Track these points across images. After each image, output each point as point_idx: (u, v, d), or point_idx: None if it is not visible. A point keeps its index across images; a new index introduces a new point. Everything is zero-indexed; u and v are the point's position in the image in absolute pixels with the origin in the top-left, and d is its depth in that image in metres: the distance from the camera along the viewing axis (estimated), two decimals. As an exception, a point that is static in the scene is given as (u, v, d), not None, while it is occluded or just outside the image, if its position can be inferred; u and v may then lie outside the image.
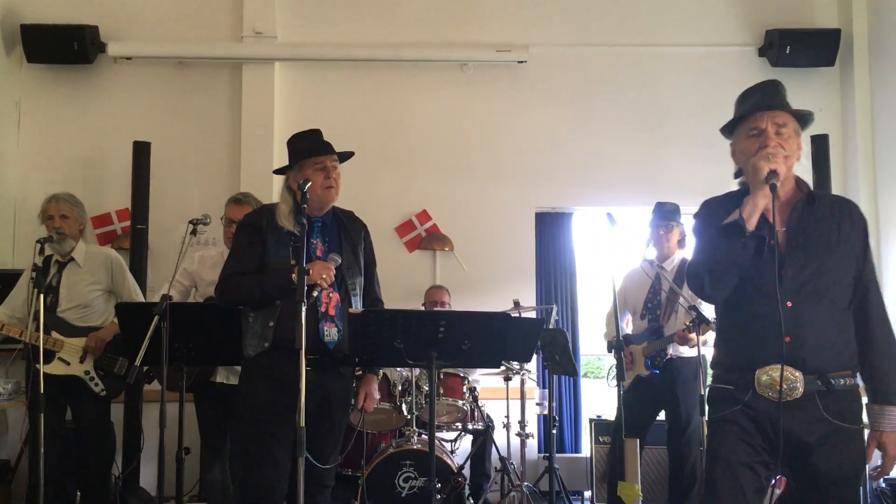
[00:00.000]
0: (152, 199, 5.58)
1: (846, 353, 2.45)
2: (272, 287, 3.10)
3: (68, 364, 4.22)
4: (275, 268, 3.14)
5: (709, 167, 6.22)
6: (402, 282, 5.96)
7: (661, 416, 4.96)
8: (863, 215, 2.59)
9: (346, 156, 3.35)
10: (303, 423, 2.72)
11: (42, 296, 3.71)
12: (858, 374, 2.48)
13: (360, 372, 3.82)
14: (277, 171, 3.40)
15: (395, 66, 6.38)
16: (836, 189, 5.89)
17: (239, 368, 3.81)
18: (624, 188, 6.28)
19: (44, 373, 3.82)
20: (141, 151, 5.54)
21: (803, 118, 2.57)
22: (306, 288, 2.85)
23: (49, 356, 4.08)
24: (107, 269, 4.37)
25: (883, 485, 4.87)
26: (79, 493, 4.64)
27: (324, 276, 3.03)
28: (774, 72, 6.34)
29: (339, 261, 3.16)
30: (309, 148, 3.26)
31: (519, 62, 6.29)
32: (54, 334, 4.17)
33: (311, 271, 2.95)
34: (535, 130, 6.37)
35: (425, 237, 6.24)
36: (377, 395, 3.52)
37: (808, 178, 5.55)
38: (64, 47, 6.00)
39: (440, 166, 6.34)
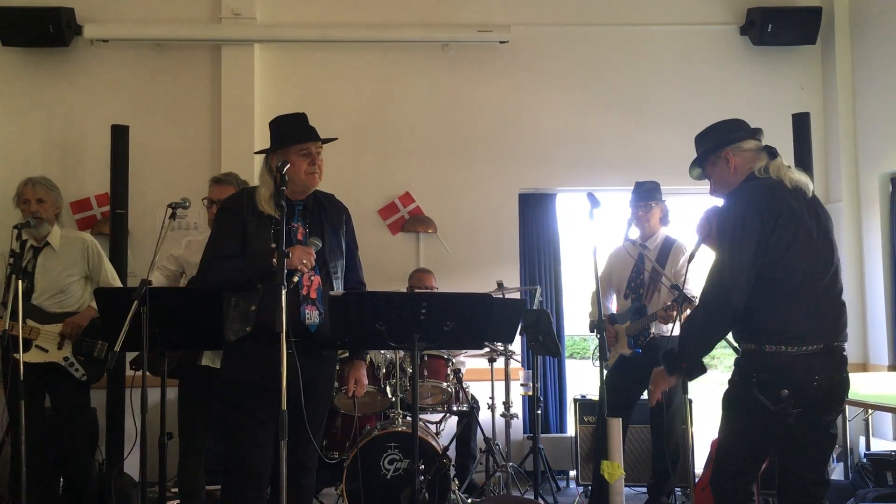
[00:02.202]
0: (132, 184, 5.51)
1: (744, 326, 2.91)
2: (252, 271, 3.08)
3: (46, 351, 4.18)
4: (255, 252, 3.12)
5: (692, 146, 6.22)
6: (385, 265, 5.94)
7: (646, 395, 4.99)
8: (720, 213, 3.04)
9: (328, 140, 3.33)
10: (284, 407, 2.72)
11: (20, 282, 3.68)
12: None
13: (345, 355, 3.82)
14: (259, 152, 3.38)
15: (375, 46, 6.33)
16: (818, 167, 5.90)
17: None
18: (607, 169, 6.27)
19: (22, 361, 3.79)
20: (119, 135, 5.46)
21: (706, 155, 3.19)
22: (286, 272, 2.84)
23: (26, 345, 4.03)
24: (83, 254, 4.31)
25: (864, 460, 4.92)
26: (62, 480, 4.61)
27: (304, 261, 3.02)
28: (756, 50, 6.36)
29: (320, 245, 3.15)
30: (294, 133, 3.23)
31: (501, 42, 6.25)
32: (30, 322, 4.11)
33: (291, 255, 2.94)
34: (518, 111, 6.34)
35: (408, 219, 6.21)
36: (366, 381, 3.53)
37: (790, 156, 5.56)
38: (39, 30, 5.89)
39: (423, 148, 6.30)
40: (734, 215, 2.91)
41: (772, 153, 3.05)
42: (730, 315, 2.86)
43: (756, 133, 3.12)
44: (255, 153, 3.48)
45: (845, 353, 2.94)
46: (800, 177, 2.97)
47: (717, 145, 3.12)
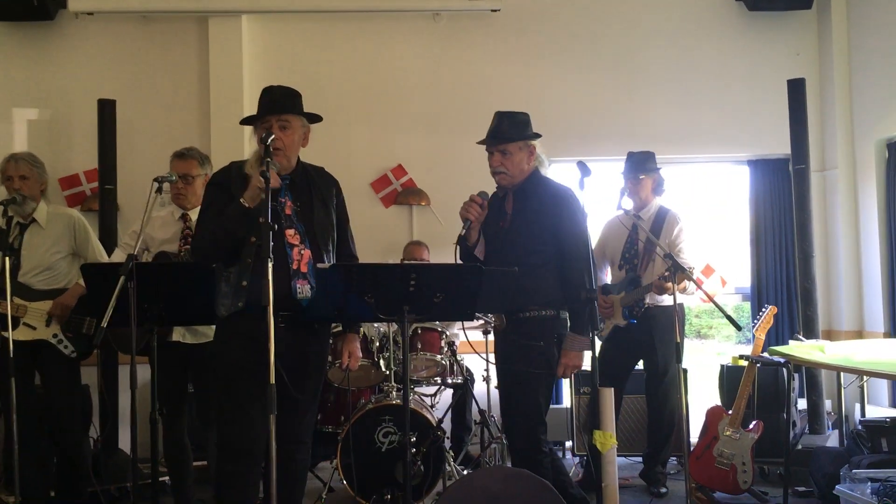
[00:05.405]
0: (120, 159, 5.46)
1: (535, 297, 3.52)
2: (230, 219, 3.06)
3: (34, 329, 4.13)
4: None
5: (685, 114, 6.20)
6: (378, 238, 5.92)
7: (640, 364, 4.99)
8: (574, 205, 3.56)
9: (313, 117, 3.31)
10: (273, 381, 2.69)
11: (6, 259, 3.65)
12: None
13: (338, 329, 3.79)
14: (243, 122, 3.37)
15: (365, 16, 6.23)
16: (813, 133, 5.79)
17: (196, 328, 3.84)
18: (601, 138, 6.20)
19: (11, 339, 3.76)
20: (106, 109, 5.40)
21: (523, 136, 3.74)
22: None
23: (14, 322, 3.99)
24: (70, 231, 4.26)
25: (859, 426, 4.93)
26: (56, 458, 4.59)
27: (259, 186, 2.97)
28: (751, 16, 6.27)
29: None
30: (259, 107, 3.22)
31: (492, 11, 6.16)
32: (17, 300, 4.06)
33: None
34: (510, 80, 6.25)
35: (401, 192, 6.17)
36: (360, 354, 3.51)
37: (784, 122, 5.51)
38: (23, 3, 5.79)
39: (415, 119, 6.24)
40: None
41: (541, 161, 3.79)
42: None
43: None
44: (241, 122, 3.44)
45: None
46: None
47: (532, 136, 3.77)
